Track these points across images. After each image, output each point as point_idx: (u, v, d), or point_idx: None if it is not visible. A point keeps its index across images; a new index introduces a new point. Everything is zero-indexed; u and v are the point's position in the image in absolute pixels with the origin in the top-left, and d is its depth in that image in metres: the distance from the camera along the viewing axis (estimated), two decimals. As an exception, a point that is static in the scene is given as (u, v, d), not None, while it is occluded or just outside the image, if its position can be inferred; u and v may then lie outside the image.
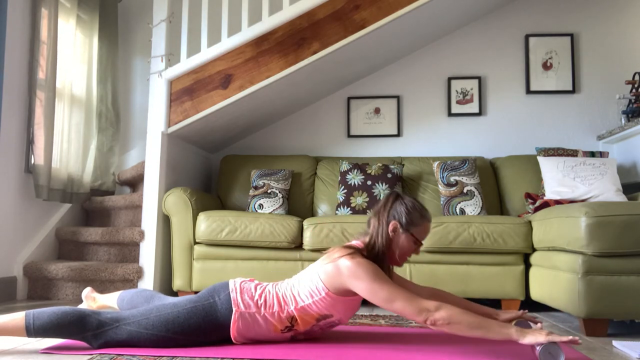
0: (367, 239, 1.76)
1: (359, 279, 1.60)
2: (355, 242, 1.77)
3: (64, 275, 2.88)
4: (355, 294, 1.67)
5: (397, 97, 3.73)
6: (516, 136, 3.63)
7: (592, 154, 3.03)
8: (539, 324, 1.55)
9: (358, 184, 3.14)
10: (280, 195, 3.22)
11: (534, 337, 1.45)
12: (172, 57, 3.11)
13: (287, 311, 1.69)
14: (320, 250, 2.75)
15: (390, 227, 1.72)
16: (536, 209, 2.81)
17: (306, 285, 1.69)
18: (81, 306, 2.16)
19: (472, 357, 1.59)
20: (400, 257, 1.77)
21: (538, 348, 1.47)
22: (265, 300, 1.70)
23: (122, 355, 1.57)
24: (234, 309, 1.68)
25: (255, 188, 3.26)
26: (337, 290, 1.66)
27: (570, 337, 1.43)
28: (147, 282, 2.89)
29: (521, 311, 1.83)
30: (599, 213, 1.98)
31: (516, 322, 1.81)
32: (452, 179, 3.10)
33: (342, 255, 1.65)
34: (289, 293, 1.71)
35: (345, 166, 3.25)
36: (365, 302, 2.90)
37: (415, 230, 1.74)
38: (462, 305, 1.86)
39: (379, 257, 1.71)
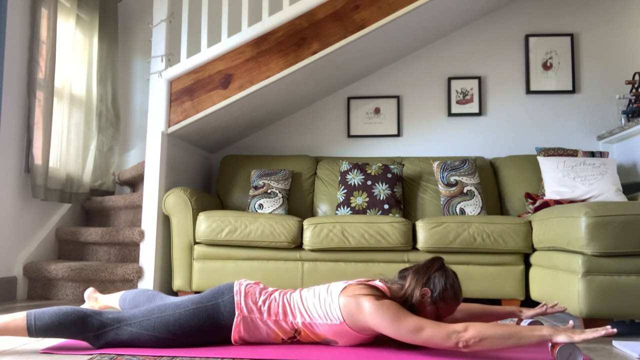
0: (394, 287, 1.72)
1: (381, 317, 1.55)
2: (379, 284, 1.71)
3: (64, 275, 2.88)
4: (371, 332, 1.64)
5: (397, 97, 3.74)
6: (516, 136, 3.63)
7: (592, 154, 3.03)
8: (570, 322, 1.56)
9: (358, 184, 3.14)
10: (280, 195, 3.22)
11: (568, 336, 1.44)
12: (172, 57, 3.11)
13: (292, 322, 1.67)
14: (320, 251, 2.76)
15: (421, 292, 1.67)
16: (536, 209, 2.81)
17: (322, 306, 1.66)
18: (83, 306, 2.16)
19: (473, 358, 1.59)
20: None
21: (557, 348, 1.48)
22: (269, 307, 1.68)
23: (123, 355, 1.57)
24: (236, 312, 1.67)
25: (255, 188, 3.26)
26: (354, 324, 1.63)
27: (604, 331, 1.42)
28: (147, 282, 2.89)
29: (544, 307, 1.84)
30: (599, 213, 1.98)
31: (530, 322, 1.82)
32: (452, 179, 3.10)
33: (367, 294, 1.61)
34: (300, 305, 1.69)
35: (345, 166, 3.25)
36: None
37: (441, 307, 1.69)
38: (484, 311, 1.87)
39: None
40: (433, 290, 1.67)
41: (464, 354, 1.63)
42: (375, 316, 1.56)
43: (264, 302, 1.69)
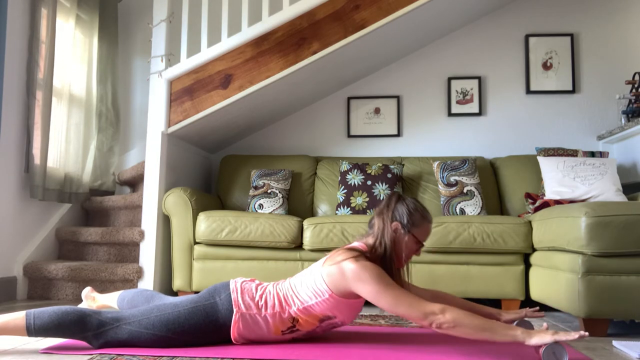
0: (370, 241, 1.75)
1: (364, 283, 1.58)
2: (357, 244, 1.75)
3: (64, 275, 2.88)
4: (359, 296, 1.66)
5: (397, 97, 3.73)
6: (516, 136, 3.63)
7: (592, 154, 3.03)
8: (544, 324, 1.55)
9: (358, 184, 3.14)
10: (280, 195, 3.22)
11: (540, 338, 1.44)
12: (172, 57, 3.11)
13: (289, 312, 1.68)
14: (320, 251, 2.76)
15: (392, 227, 1.72)
16: (536, 209, 2.81)
17: (309, 286, 1.68)
18: (81, 306, 2.16)
19: (472, 357, 1.59)
20: (401, 259, 1.76)
21: (542, 348, 1.47)
22: (265, 301, 1.69)
23: (123, 355, 1.57)
24: (234, 310, 1.67)
25: (255, 188, 3.26)
26: (341, 292, 1.64)
27: (579, 334, 1.42)
28: (147, 282, 2.89)
29: (524, 311, 1.82)
30: (599, 213, 1.98)
31: (517, 322, 1.81)
32: (452, 179, 3.10)
33: (347, 258, 1.63)
34: (291, 293, 1.70)
35: (345, 166, 3.25)
36: (366, 302, 2.90)
37: (416, 232, 1.74)
38: (466, 307, 1.85)
39: (383, 259, 1.70)
40: (401, 220, 1.73)
41: (465, 351, 1.63)
42: (358, 281, 1.59)
43: (260, 296, 1.70)
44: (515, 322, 1.82)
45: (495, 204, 3.25)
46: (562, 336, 1.43)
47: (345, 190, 3.15)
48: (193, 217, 2.88)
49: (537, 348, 1.51)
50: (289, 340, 1.76)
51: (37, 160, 2.87)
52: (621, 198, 2.72)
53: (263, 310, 1.68)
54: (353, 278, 1.60)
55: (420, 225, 1.75)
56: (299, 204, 3.38)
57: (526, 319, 1.85)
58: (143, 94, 3.86)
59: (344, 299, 1.66)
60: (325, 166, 3.49)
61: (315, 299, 1.66)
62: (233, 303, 1.68)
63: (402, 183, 3.28)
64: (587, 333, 1.43)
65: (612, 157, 3.08)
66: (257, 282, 1.78)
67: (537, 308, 1.85)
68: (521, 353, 1.65)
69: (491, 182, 3.31)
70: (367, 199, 3.09)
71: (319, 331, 1.75)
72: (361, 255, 1.66)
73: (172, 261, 2.91)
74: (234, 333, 1.68)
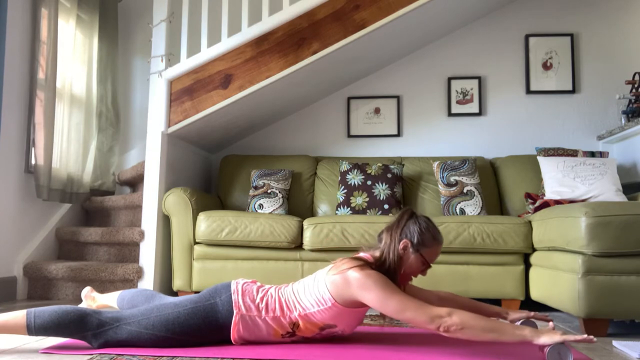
0: (377, 254, 1.72)
1: (369, 290, 1.57)
2: (363, 255, 1.74)
3: (64, 275, 2.88)
4: (362, 305, 1.65)
5: (397, 97, 3.73)
6: (516, 136, 3.63)
7: (592, 154, 3.03)
8: (550, 324, 1.55)
9: (358, 184, 3.14)
10: (280, 195, 3.22)
11: (549, 337, 1.43)
12: (172, 57, 3.11)
13: (290, 317, 1.68)
14: (320, 251, 2.76)
15: (401, 245, 1.68)
16: (536, 209, 2.81)
17: (312, 293, 1.67)
18: (81, 305, 2.16)
19: (472, 357, 1.59)
20: (406, 277, 1.73)
21: (547, 348, 1.47)
22: (266, 304, 1.68)
23: (123, 355, 1.57)
24: (234, 311, 1.67)
25: (255, 188, 3.26)
26: (345, 301, 1.63)
27: (585, 336, 1.42)
28: (147, 282, 2.89)
29: (532, 313, 1.81)
30: (599, 213, 1.98)
31: (522, 322, 1.80)
32: (452, 179, 3.10)
33: (351, 267, 1.62)
34: (293, 298, 1.69)
35: (345, 166, 3.25)
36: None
37: (425, 252, 1.70)
38: (472, 307, 1.85)
39: (387, 274, 1.66)
40: (411, 239, 1.69)
41: (465, 351, 1.63)
42: (363, 289, 1.58)
43: (261, 299, 1.69)
44: (520, 322, 1.82)
45: (495, 204, 3.25)
46: (571, 337, 1.43)
47: (345, 190, 3.15)
48: (193, 217, 2.88)
49: (541, 348, 1.51)
50: (288, 342, 1.75)
51: (41, 160, 2.87)
52: (621, 198, 2.72)
53: (263, 312, 1.67)
54: (358, 286, 1.58)
55: (430, 246, 1.71)
56: (299, 204, 3.38)
57: (532, 319, 1.84)
58: (143, 94, 3.86)
59: (347, 308, 1.65)
60: (325, 166, 3.49)
61: (318, 306, 1.65)
62: (233, 304, 1.67)
63: (402, 183, 3.28)
64: (595, 339, 1.43)
65: (612, 157, 3.08)
66: (258, 284, 1.77)
67: (546, 314, 1.84)
68: (521, 353, 1.65)
69: (491, 182, 3.31)
70: (367, 199, 3.09)
71: (318, 337, 1.74)
72: (366, 264, 1.64)
73: (172, 261, 2.91)
74: (233, 334, 1.68)
